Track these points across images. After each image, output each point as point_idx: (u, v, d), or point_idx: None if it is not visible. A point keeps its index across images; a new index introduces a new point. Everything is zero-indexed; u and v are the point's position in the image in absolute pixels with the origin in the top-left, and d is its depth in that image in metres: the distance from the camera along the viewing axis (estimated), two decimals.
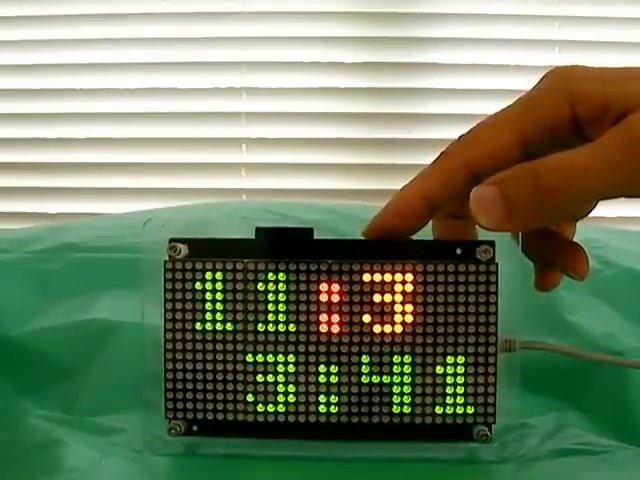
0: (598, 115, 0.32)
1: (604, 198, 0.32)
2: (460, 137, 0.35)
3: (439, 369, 0.39)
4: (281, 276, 0.39)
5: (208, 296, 0.39)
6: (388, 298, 0.39)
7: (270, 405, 0.40)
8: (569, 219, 0.39)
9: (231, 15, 1.13)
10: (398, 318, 0.39)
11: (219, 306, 0.39)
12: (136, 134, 1.14)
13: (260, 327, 0.39)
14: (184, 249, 0.40)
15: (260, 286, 0.39)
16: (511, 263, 0.39)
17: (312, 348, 0.39)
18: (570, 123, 0.33)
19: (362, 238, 0.39)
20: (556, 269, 0.39)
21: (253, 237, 0.40)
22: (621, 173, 0.30)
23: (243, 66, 1.14)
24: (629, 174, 0.30)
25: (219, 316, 0.39)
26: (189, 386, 0.40)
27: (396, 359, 0.39)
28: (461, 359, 0.39)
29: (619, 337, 0.50)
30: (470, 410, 0.39)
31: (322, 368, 0.39)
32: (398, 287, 0.39)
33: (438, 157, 0.36)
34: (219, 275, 0.39)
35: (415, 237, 0.39)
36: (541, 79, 0.34)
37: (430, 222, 0.38)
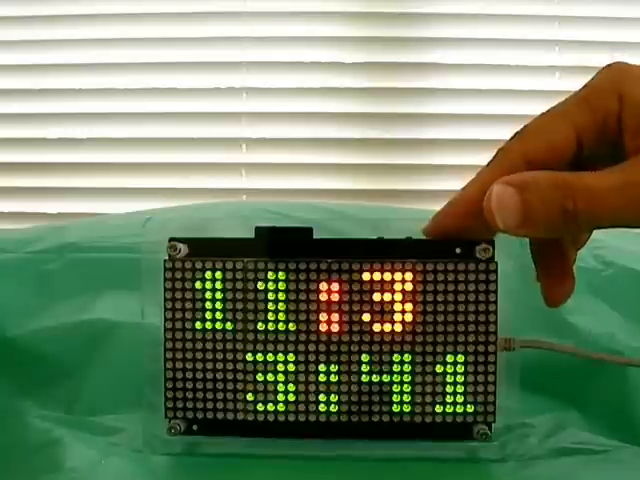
0: (639, 123, 0.32)
1: (622, 227, 0.32)
2: (517, 132, 0.35)
3: (439, 368, 0.39)
4: (281, 275, 0.39)
5: (208, 295, 0.39)
6: (388, 297, 0.39)
7: (270, 404, 0.40)
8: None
9: (231, 15, 1.13)
10: (398, 317, 0.39)
11: (219, 305, 0.39)
12: (136, 134, 1.14)
13: (260, 326, 0.39)
14: (184, 248, 0.40)
15: (260, 285, 0.39)
16: (511, 262, 0.39)
17: (312, 347, 0.39)
18: (618, 119, 0.32)
19: (362, 238, 0.39)
20: (563, 280, 0.38)
21: (253, 236, 0.40)
22: None
23: (243, 66, 1.14)
24: None
25: (219, 315, 0.39)
26: (189, 385, 0.40)
27: (396, 358, 0.39)
28: (461, 358, 0.39)
29: (619, 337, 0.50)
30: (470, 409, 0.39)
31: (322, 367, 0.39)
32: (398, 286, 0.39)
33: (496, 153, 0.35)
34: (219, 274, 0.39)
35: (416, 237, 0.39)
36: (596, 74, 0.34)
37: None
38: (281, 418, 0.40)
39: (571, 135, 0.33)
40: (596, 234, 0.53)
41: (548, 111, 0.34)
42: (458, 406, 0.39)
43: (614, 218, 0.31)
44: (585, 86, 0.34)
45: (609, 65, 0.34)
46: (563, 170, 0.32)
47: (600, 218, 0.31)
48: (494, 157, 0.35)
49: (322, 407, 0.39)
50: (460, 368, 0.39)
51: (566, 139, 0.33)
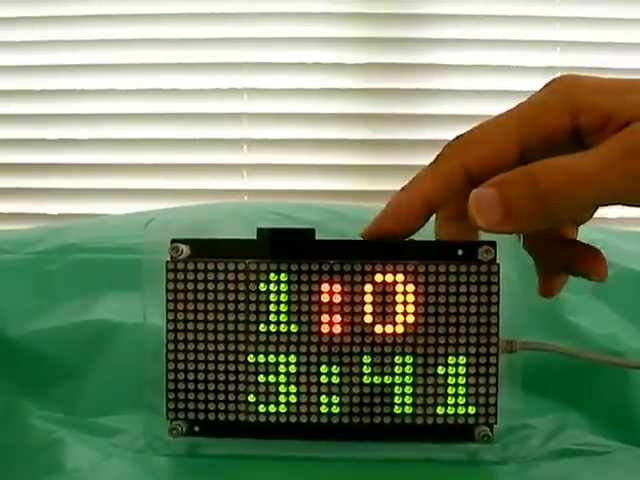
0: (600, 126, 0.32)
1: (603, 204, 0.32)
2: (456, 138, 0.35)
3: (440, 369, 0.39)
4: (283, 276, 0.39)
5: (210, 297, 0.39)
6: (389, 299, 0.39)
7: (272, 406, 0.40)
8: (570, 223, 0.39)
9: (232, 16, 1.13)
10: (399, 319, 0.39)
11: (221, 306, 0.39)
12: (137, 135, 1.14)
13: (262, 327, 0.39)
14: (186, 249, 0.40)
15: (262, 286, 0.39)
16: (512, 264, 0.39)
17: (313, 348, 0.39)
18: (570, 133, 0.33)
19: (363, 239, 0.39)
20: (560, 273, 0.39)
21: (255, 238, 0.40)
22: (621, 180, 0.30)
23: (245, 67, 1.14)
24: (629, 181, 0.30)
25: (221, 316, 0.39)
26: (191, 386, 0.40)
27: (397, 359, 0.39)
28: (462, 360, 0.39)
29: (620, 338, 0.50)
30: (471, 410, 0.39)
31: (323, 368, 0.39)
32: (399, 287, 0.39)
33: (435, 159, 0.36)
34: (221, 275, 0.39)
35: (417, 238, 0.39)
36: (544, 87, 0.34)
37: (433, 224, 0.38)
38: (283, 419, 0.39)
39: (512, 148, 0.33)
40: (597, 234, 0.53)
41: (489, 122, 0.35)
42: (459, 408, 0.39)
43: (589, 192, 0.31)
44: (532, 101, 0.34)
45: (559, 78, 0.34)
46: None
47: (576, 195, 0.31)
48: (433, 161, 0.36)
49: (324, 408, 0.39)
50: (462, 370, 0.39)
51: (506, 150, 0.33)
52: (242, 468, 0.40)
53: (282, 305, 0.39)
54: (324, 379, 0.39)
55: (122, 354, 0.50)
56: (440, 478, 0.40)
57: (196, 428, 0.40)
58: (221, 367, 0.39)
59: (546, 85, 0.34)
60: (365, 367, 0.39)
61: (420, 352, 0.39)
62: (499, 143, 0.34)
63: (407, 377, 0.39)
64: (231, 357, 0.39)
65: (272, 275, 0.39)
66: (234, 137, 1.15)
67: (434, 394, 0.39)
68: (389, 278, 0.39)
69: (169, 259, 0.40)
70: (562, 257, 0.39)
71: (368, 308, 0.39)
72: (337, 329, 0.39)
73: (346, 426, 0.39)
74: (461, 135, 0.35)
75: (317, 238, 0.39)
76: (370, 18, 1.14)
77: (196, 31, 1.13)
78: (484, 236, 0.38)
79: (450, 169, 0.35)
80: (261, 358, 0.39)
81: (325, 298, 0.39)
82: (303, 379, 0.39)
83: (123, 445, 0.43)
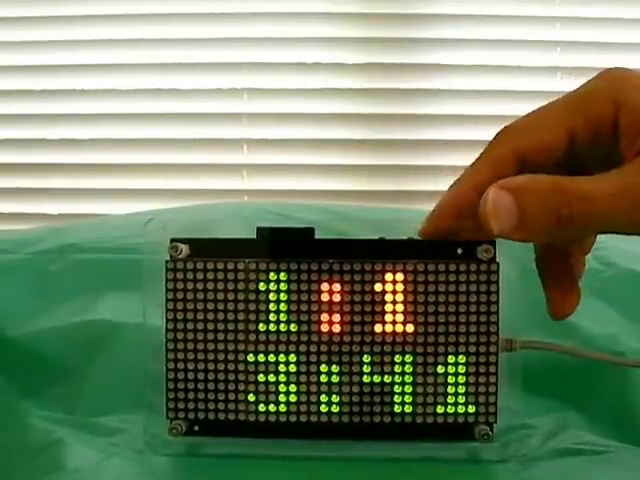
0: (636, 130, 0.31)
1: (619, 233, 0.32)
2: (505, 128, 0.35)
3: (440, 369, 0.39)
4: (282, 276, 0.39)
5: (209, 296, 0.39)
6: (389, 298, 0.39)
7: (271, 405, 0.40)
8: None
9: (232, 16, 1.13)
10: (399, 318, 0.39)
11: (220, 306, 0.39)
12: (137, 135, 1.14)
13: (261, 327, 0.39)
14: (185, 249, 0.40)
15: (261, 286, 0.39)
16: (512, 263, 0.39)
17: (313, 348, 0.39)
18: (613, 126, 0.32)
19: (363, 238, 0.39)
20: (570, 290, 0.38)
21: (254, 237, 0.40)
22: None
23: (245, 67, 1.14)
24: None
25: (220, 316, 0.39)
26: (190, 386, 0.40)
27: (397, 359, 0.39)
28: (462, 359, 0.39)
29: (620, 338, 0.50)
30: (471, 409, 0.39)
31: (323, 368, 0.39)
32: (399, 287, 0.39)
33: (485, 150, 0.35)
34: (220, 275, 0.39)
35: (417, 238, 0.39)
36: (594, 78, 0.34)
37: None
38: (283, 419, 0.40)
39: (562, 135, 0.33)
40: (597, 235, 0.53)
41: (539, 110, 0.34)
42: (459, 407, 0.39)
43: (610, 223, 0.31)
44: (580, 90, 0.34)
45: (609, 70, 0.33)
46: (552, 170, 0.32)
47: (596, 223, 0.31)
48: (482, 153, 0.35)
49: (323, 408, 0.39)
50: (461, 369, 0.39)
51: (557, 138, 0.33)
52: (242, 467, 0.40)
53: (282, 304, 0.39)
54: (324, 378, 0.39)
55: (122, 354, 0.50)
56: (440, 477, 0.40)
57: (196, 428, 0.40)
58: (221, 366, 0.39)
59: (596, 76, 0.34)
60: (365, 366, 0.39)
61: (420, 351, 0.39)
62: (549, 130, 0.33)
63: (407, 376, 0.39)
64: (231, 356, 0.39)
65: (272, 274, 0.39)
66: (234, 137, 1.15)
67: (434, 393, 0.39)
68: (389, 277, 0.39)
69: (169, 259, 0.40)
70: (569, 272, 0.38)
71: (368, 307, 0.39)
72: (337, 328, 0.39)
73: (346, 425, 0.39)
74: (511, 123, 0.35)
75: (317, 237, 0.39)
76: (370, 18, 1.14)
77: (196, 31, 1.13)
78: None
79: (501, 155, 0.34)
80: (261, 357, 0.39)
81: (325, 297, 0.39)
82: (303, 378, 0.39)
83: (123, 445, 0.43)
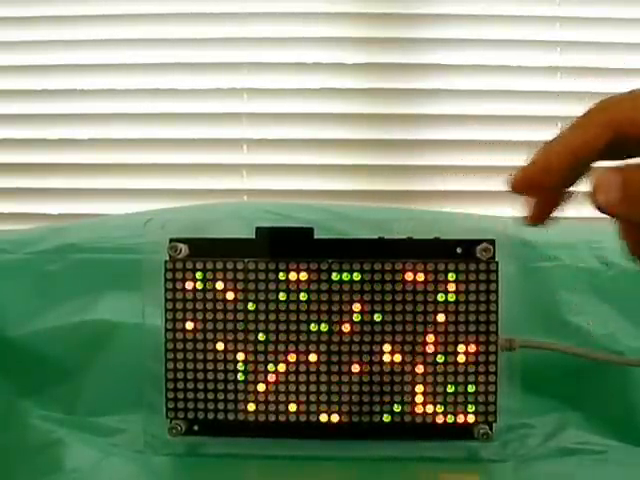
0: None
1: None
2: (601, 101, 0.35)
3: (440, 368, 0.39)
4: (281, 275, 0.39)
5: (209, 296, 0.39)
6: (389, 297, 0.39)
7: (271, 405, 0.40)
8: None
9: (232, 16, 1.13)
10: (399, 317, 0.39)
11: (220, 306, 0.39)
12: (137, 135, 1.14)
13: (260, 326, 0.39)
14: (185, 249, 0.40)
15: (260, 285, 0.39)
16: (512, 262, 0.39)
17: (313, 347, 0.39)
18: None
19: (362, 237, 0.39)
20: None
21: (254, 237, 0.40)
22: None
23: (244, 67, 1.14)
24: None
25: (219, 316, 0.39)
26: (190, 386, 0.40)
27: (397, 358, 0.39)
28: (462, 358, 0.39)
29: (620, 337, 0.50)
30: (471, 409, 0.39)
31: (323, 367, 0.39)
32: (398, 286, 0.39)
33: (579, 119, 0.35)
34: (220, 275, 0.39)
35: (417, 237, 0.39)
36: None
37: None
38: (282, 418, 0.40)
39: None
40: (597, 234, 0.53)
41: (636, 89, 0.34)
42: (459, 406, 0.39)
43: None
44: None
45: None
46: None
47: None
48: (577, 120, 0.35)
49: (323, 407, 0.39)
50: (461, 368, 0.39)
51: None
52: (241, 467, 0.40)
53: (281, 304, 0.39)
54: (323, 378, 0.39)
55: (121, 354, 0.50)
56: (440, 476, 0.40)
57: (195, 427, 0.40)
58: (220, 366, 0.40)
59: None
60: (364, 366, 0.39)
61: (419, 351, 0.39)
62: None
63: (407, 376, 0.39)
64: (230, 356, 0.39)
65: (271, 274, 0.39)
66: (234, 137, 1.15)
67: (434, 392, 0.39)
68: (388, 276, 0.39)
69: (168, 259, 0.40)
70: None
71: (367, 307, 0.39)
72: (336, 328, 0.39)
73: (346, 425, 0.40)
74: (606, 98, 0.35)
75: (316, 237, 0.40)
76: (370, 18, 1.14)
77: (196, 31, 1.13)
78: (483, 235, 0.38)
79: (598, 122, 0.34)
80: (260, 357, 0.39)
81: (324, 297, 0.39)
82: (302, 378, 0.39)
83: (123, 445, 0.43)
